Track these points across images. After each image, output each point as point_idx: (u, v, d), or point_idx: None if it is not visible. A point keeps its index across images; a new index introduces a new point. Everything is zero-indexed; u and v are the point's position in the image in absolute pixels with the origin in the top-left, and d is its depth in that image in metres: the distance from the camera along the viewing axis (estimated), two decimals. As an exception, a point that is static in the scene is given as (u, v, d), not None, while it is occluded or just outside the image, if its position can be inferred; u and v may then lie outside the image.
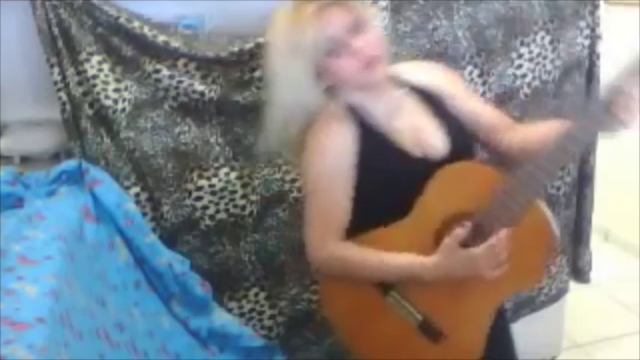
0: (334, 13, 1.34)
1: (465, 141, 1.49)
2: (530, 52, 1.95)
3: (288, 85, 1.38)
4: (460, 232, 1.34)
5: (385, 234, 1.43)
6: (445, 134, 1.45)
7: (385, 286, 1.47)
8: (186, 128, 1.89)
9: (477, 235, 1.37)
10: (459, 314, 1.46)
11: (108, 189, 1.67)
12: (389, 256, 1.41)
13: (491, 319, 1.46)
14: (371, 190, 1.42)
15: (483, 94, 1.96)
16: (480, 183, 1.38)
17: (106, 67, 1.82)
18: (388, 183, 1.40)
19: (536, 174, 1.32)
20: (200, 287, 1.81)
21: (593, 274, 2.33)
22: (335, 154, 1.41)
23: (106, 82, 1.82)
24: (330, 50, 1.34)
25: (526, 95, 1.98)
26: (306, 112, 1.41)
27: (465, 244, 1.36)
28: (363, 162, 1.41)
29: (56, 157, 1.99)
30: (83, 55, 1.79)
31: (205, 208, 1.93)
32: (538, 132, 1.43)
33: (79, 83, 1.81)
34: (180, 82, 1.84)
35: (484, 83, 1.96)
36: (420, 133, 1.45)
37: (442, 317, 1.46)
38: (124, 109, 1.84)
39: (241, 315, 2.04)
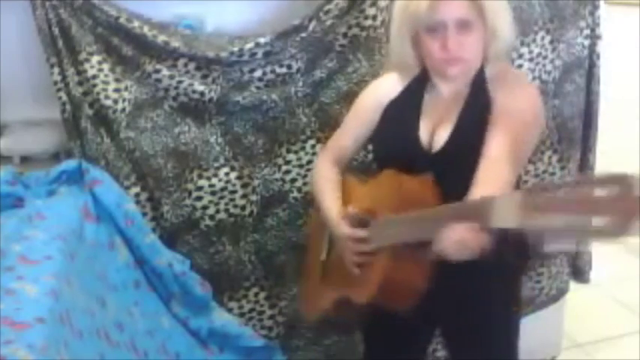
0: (456, 3, 1.37)
1: (464, 153, 1.41)
2: (530, 52, 1.94)
3: (393, 35, 1.51)
4: (351, 210, 1.47)
5: (353, 184, 1.59)
6: (451, 133, 1.43)
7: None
8: (186, 128, 1.90)
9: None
10: (332, 276, 1.59)
11: (108, 189, 1.67)
12: (328, 195, 1.57)
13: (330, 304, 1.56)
14: (377, 143, 1.57)
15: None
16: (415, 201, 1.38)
17: (106, 67, 1.82)
18: (387, 148, 1.53)
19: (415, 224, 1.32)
20: (200, 287, 1.81)
21: (593, 274, 2.33)
22: (381, 92, 1.56)
23: (106, 82, 1.82)
24: (431, 29, 1.39)
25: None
26: (401, 62, 1.52)
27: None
28: (388, 116, 1.53)
29: (56, 157, 1.99)
30: (83, 55, 1.79)
31: (205, 208, 1.93)
32: None
33: (79, 83, 1.81)
34: (180, 82, 1.84)
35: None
36: (438, 126, 1.46)
37: (330, 268, 1.60)
38: (124, 109, 1.84)
39: (241, 315, 2.04)
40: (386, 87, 1.56)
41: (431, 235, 1.21)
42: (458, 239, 1.15)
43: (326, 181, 1.60)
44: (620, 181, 0.86)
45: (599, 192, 0.88)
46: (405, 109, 1.51)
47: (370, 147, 1.67)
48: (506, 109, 1.38)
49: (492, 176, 1.30)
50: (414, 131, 1.46)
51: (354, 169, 1.76)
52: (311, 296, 1.71)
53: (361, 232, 1.43)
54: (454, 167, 1.39)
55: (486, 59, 1.45)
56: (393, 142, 1.51)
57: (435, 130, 1.45)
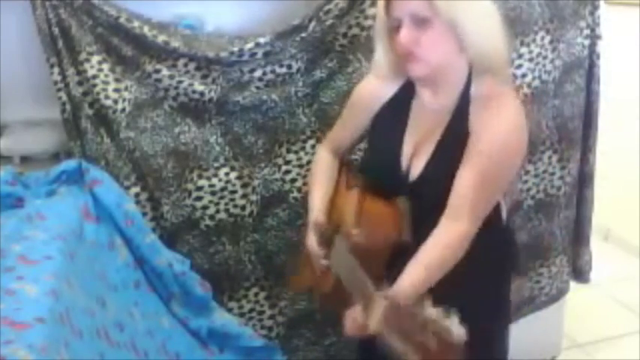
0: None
1: (438, 185, 1.40)
2: (530, 52, 1.94)
3: (376, 34, 1.49)
4: (319, 221, 1.52)
5: (343, 180, 1.61)
6: (427, 162, 1.41)
7: None
8: (186, 128, 1.90)
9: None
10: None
11: (108, 189, 1.67)
12: (317, 187, 1.61)
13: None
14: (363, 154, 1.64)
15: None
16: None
17: (106, 67, 1.82)
18: (369, 160, 1.59)
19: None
20: (200, 287, 1.80)
21: (593, 274, 2.33)
22: (369, 96, 1.55)
23: (106, 82, 1.82)
24: (394, 29, 1.39)
25: (526, 95, 1.98)
26: (385, 62, 1.49)
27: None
28: (376, 125, 1.55)
29: (56, 157, 1.99)
30: (83, 55, 1.79)
31: (205, 208, 1.93)
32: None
33: (79, 83, 1.81)
34: (180, 82, 1.84)
35: (484, 83, 1.96)
36: (419, 149, 1.43)
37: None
38: (124, 109, 1.84)
39: (241, 315, 2.04)
40: (380, 88, 1.54)
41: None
42: (357, 323, 1.26)
43: (320, 173, 1.64)
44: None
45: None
46: (392, 122, 1.50)
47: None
48: (479, 144, 1.34)
49: (460, 211, 1.34)
50: (396, 154, 1.45)
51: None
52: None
53: (320, 255, 1.49)
54: (429, 196, 1.40)
55: (473, 73, 1.38)
56: (376, 162, 1.53)
57: (415, 154, 1.43)
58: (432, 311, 1.01)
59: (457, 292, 1.44)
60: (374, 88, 1.55)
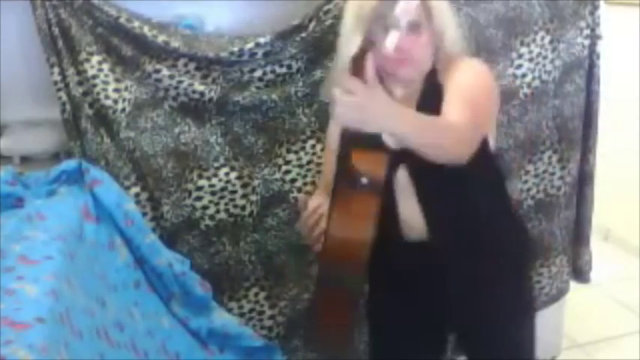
0: (410, 3, 1.32)
1: None
2: (530, 52, 1.95)
3: (345, 37, 1.46)
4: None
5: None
6: None
7: None
8: (186, 128, 1.90)
9: None
10: None
11: (108, 189, 1.67)
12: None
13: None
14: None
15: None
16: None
17: (106, 67, 1.82)
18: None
19: None
20: (200, 287, 1.80)
21: (593, 274, 2.33)
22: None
23: (106, 82, 1.82)
24: (386, 28, 1.34)
25: (526, 95, 1.98)
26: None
27: None
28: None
29: (56, 157, 1.99)
30: (83, 55, 1.79)
31: (205, 208, 1.93)
32: None
33: (79, 83, 1.81)
34: (180, 82, 1.84)
35: (484, 83, 1.96)
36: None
37: None
38: (124, 109, 1.84)
39: (241, 315, 2.04)
40: None
41: None
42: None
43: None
44: None
45: None
46: None
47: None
48: (456, 85, 1.40)
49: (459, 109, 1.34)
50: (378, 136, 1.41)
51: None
52: None
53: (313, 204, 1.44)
54: (419, 164, 1.35)
55: (437, 62, 1.45)
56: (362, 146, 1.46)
57: None
58: None
59: (484, 293, 1.47)
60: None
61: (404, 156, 1.36)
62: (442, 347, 1.73)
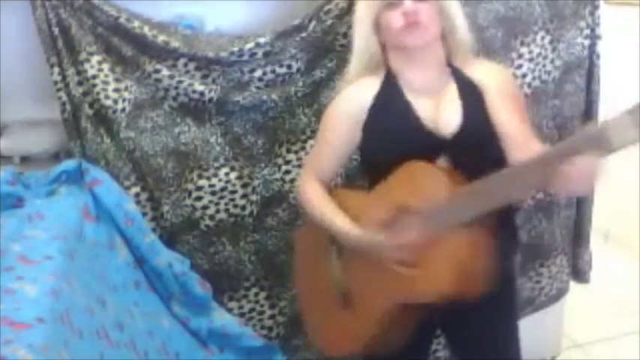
0: None
1: (480, 133, 1.48)
2: (530, 52, 1.94)
3: (357, 31, 1.55)
4: (383, 216, 1.45)
5: (351, 197, 1.58)
6: (463, 115, 1.47)
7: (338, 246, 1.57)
8: (186, 128, 1.90)
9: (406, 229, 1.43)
10: (366, 292, 1.53)
11: (108, 189, 1.67)
12: (336, 215, 1.53)
13: (382, 319, 1.51)
14: (375, 149, 1.52)
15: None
16: (438, 189, 1.41)
17: (106, 67, 1.82)
18: (392, 146, 1.48)
19: (487, 192, 1.33)
20: (200, 287, 1.80)
21: (593, 274, 2.33)
22: (352, 103, 1.54)
23: (106, 82, 1.82)
24: (389, 4, 1.45)
25: (526, 95, 1.98)
26: (367, 59, 1.54)
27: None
28: (376, 119, 1.51)
29: (56, 157, 1.99)
30: (83, 55, 1.79)
31: (205, 208, 1.93)
32: None
33: (79, 83, 1.81)
34: (180, 82, 1.84)
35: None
36: (439, 107, 1.48)
37: (357, 292, 1.55)
38: (124, 109, 1.84)
39: (241, 315, 2.04)
40: (357, 96, 1.54)
41: (519, 193, 1.38)
42: (590, 170, 1.18)
43: (324, 201, 1.57)
44: None
45: None
46: (392, 107, 1.51)
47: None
48: (497, 88, 1.49)
49: (529, 142, 1.43)
50: (416, 121, 1.47)
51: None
52: (337, 330, 1.62)
53: (411, 230, 1.39)
54: (469, 149, 1.45)
55: (451, 54, 1.52)
56: (398, 137, 1.48)
57: (438, 114, 1.46)
58: None
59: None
60: (352, 99, 1.55)
61: (446, 145, 1.43)
62: (430, 336, 1.75)
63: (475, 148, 1.44)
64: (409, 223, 1.40)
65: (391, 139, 1.49)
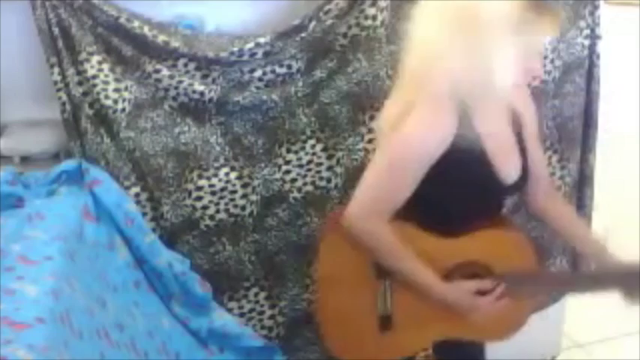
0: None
1: (528, 173, 1.52)
2: (531, 52, 1.94)
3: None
4: (485, 284, 1.51)
5: (418, 236, 1.50)
6: (519, 160, 1.48)
7: (384, 272, 1.54)
8: (186, 128, 1.89)
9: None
10: (413, 325, 1.57)
11: (108, 189, 1.67)
12: (416, 262, 1.48)
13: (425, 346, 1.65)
14: (438, 185, 1.40)
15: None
16: (516, 256, 1.55)
17: (106, 67, 1.81)
18: (459, 189, 1.42)
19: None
20: (200, 287, 1.81)
21: (593, 274, 2.33)
22: (437, 143, 1.38)
23: (106, 82, 1.82)
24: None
25: (526, 95, 1.98)
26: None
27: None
28: (448, 158, 1.38)
29: (56, 157, 1.99)
30: (83, 55, 1.79)
31: (205, 208, 1.93)
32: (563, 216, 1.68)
33: (79, 83, 1.81)
34: (180, 82, 1.84)
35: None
36: (504, 153, 1.45)
37: (401, 317, 1.57)
38: (124, 109, 1.84)
39: (241, 315, 2.04)
40: (443, 135, 1.37)
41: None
42: None
43: (401, 247, 1.47)
44: None
45: None
46: (467, 157, 1.39)
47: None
48: (530, 120, 1.53)
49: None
50: (490, 167, 1.43)
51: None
52: (370, 349, 1.61)
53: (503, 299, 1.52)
54: (519, 192, 1.56)
55: None
56: (471, 181, 1.42)
57: (503, 160, 1.45)
58: None
59: None
60: (440, 140, 1.38)
61: (509, 192, 1.53)
62: None
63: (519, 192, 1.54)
64: (501, 291, 1.52)
65: (460, 182, 1.42)
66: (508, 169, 1.45)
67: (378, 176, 1.45)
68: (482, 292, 1.52)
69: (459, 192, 1.42)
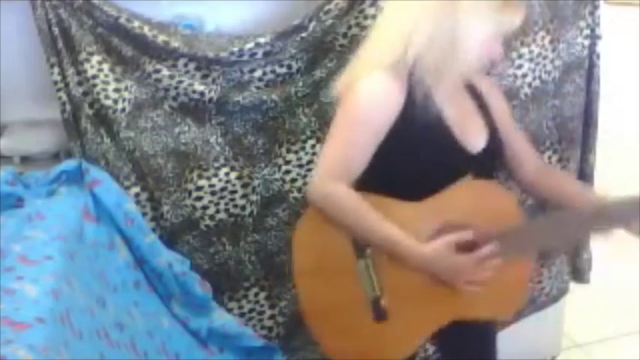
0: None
1: (496, 146, 1.55)
2: (531, 52, 1.94)
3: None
4: (463, 235, 1.40)
5: (391, 205, 1.43)
6: (485, 132, 1.52)
7: (361, 249, 1.46)
8: (186, 128, 1.90)
9: (472, 249, 1.42)
10: (411, 308, 1.48)
11: (108, 189, 1.67)
12: (386, 222, 1.41)
13: (431, 333, 1.50)
14: (400, 154, 1.42)
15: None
16: (499, 208, 1.47)
17: (106, 67, 1.82)
18: (423, 156, 1.43)
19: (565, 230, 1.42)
20: (200, 287, 1.81)
21: (593, 274, 2.33)
22: (387, 107, 1.41)
23: (106, 82, 1.82)
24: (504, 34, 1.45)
25: (526, 95, 1.98)
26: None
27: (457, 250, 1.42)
28: (406, 126, 1.41)
29: (56, 157, 1.99)
30: (83, 55, 1.79)
31: (205, 208, 1.93)
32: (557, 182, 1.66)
33: (79, 83, 1.81)
34: (180, 82, 1.84)
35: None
36: (465, 123, 1.49)
37: (395, 302, 1.47)
38: (124, 109, 1.84)
39: (241, 315, 2.04)
40: (392, 93, 1.41)
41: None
42: None
43: (365, 208, 1.41)
44: None
45: None
46: (422, 119, 1.42)
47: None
48: (504, 107, 1.59)
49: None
50: (448, 134, 1.45)
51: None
52: (367, 342, 1.52)
53: (494, 255, 1.40)
54: (489, 166, 1.52)
55: None
56: (434, 148, 1.43)
57: (466, 130, 1.48)
58: None
59: None
60: (389, 97, 1.42)
61: (474, 161, 1.47)
62: None
63: (492, 166, 1.51)
64: (492, 248, 1.41)
65: (423, 150, 1.42)
66: (472, 140, 1.48)
67: (332, 139, 1.45)
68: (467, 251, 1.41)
69: (424, 163, 1.42)
